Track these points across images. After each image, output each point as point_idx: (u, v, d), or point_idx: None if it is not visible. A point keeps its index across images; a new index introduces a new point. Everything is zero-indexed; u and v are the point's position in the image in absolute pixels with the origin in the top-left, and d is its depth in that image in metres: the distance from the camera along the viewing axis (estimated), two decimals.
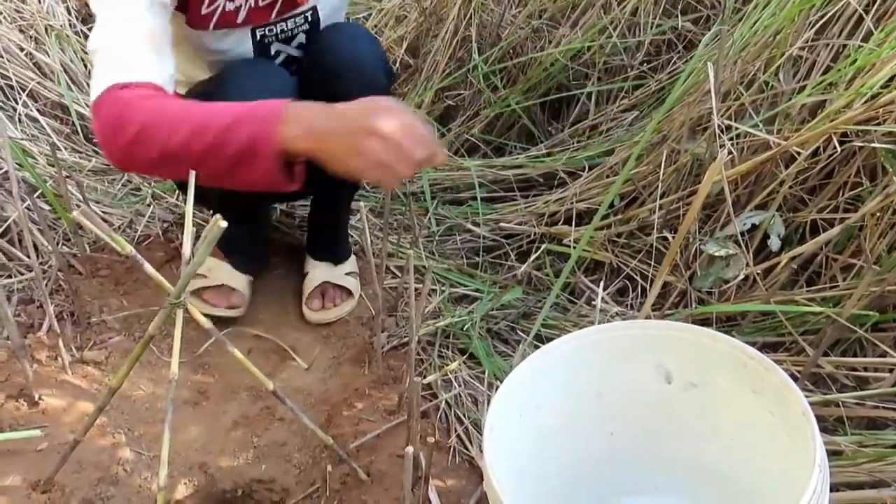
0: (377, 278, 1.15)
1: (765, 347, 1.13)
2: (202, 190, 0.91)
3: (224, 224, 0.66)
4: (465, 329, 1.27)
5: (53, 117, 1.69)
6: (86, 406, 1.04)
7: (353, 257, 1.38)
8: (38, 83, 1.69)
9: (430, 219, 1.60)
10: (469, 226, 1.59)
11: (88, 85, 1.36)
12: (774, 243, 1.05)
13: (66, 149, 1.62)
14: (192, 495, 1.03)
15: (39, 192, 1.38)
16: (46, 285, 1.22)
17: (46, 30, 1.77)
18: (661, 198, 1.30)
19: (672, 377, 0.81)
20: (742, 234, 1.08)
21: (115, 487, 0.97)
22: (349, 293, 1.31)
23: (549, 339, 0.87)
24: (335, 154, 0.76)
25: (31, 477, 0.91)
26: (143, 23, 0.88)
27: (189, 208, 0.75)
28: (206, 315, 1.08)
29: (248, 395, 1.16)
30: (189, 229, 0.74)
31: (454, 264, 1.50)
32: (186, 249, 0.74)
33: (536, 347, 1.23)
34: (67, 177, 1.40)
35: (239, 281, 1.26)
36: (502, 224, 1.57)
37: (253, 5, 1.06)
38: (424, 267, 1.45)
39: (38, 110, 1.65)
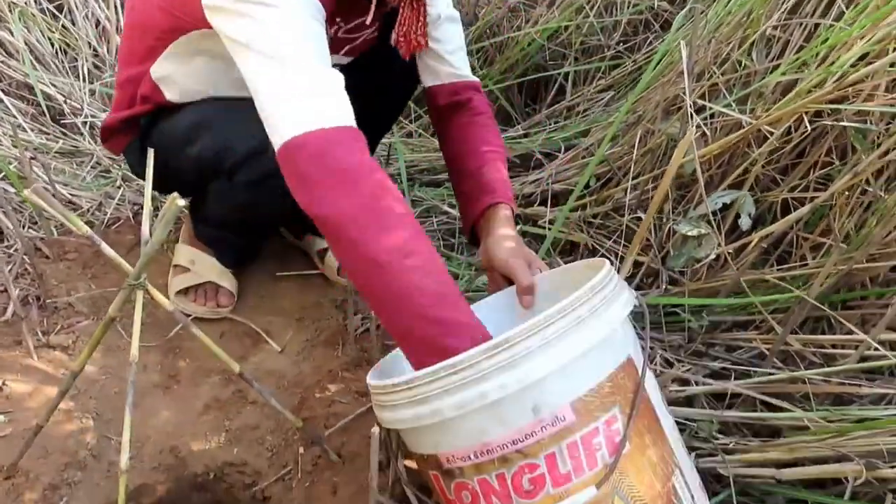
0: None
1: (735, 326, 1.13)
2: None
3: (182, 202, 0.65)
4: None
5: (19, 98, 1.65)
6: (51, 391, 1.02)
7: None
8: (2, 62, 1.65)
9: (407, 201, 1.59)
10: (446, 207, 1.59)
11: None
12: (745, 222, 1.05)
13: (32, 130, 1.58)
14: (164, 479, 1.02)
15: (3, 174, 1.35)
16: (11, 269, 1.20)
17: (10, 7, 1.72)
18: (634, 178, 1.30)
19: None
20: (714, 213, 1.08)
21: (82, 472, 0.95)
22: None
23: None
24: None
25: None
26: (322, 38, 0.80)
27: (148, 188, 0.73)
28: (191, 316, 1.08)
29: (220, 379, 1.15)
30: (148, 208, 0.73)
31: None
32: (145, 230, 0.72)
33: None
34: (32, 158, 1.37)
35: (226, 277, 1.25)
36: None
37: (333, 35, 1.01)
38: None
39: (2, 90, 1.61)
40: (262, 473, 1.04)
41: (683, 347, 1.14)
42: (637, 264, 1.29)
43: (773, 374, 0.96)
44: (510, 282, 0.92)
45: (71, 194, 1.45)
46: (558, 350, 0.57)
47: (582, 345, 0.58)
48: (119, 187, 1.48)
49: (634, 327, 0.72)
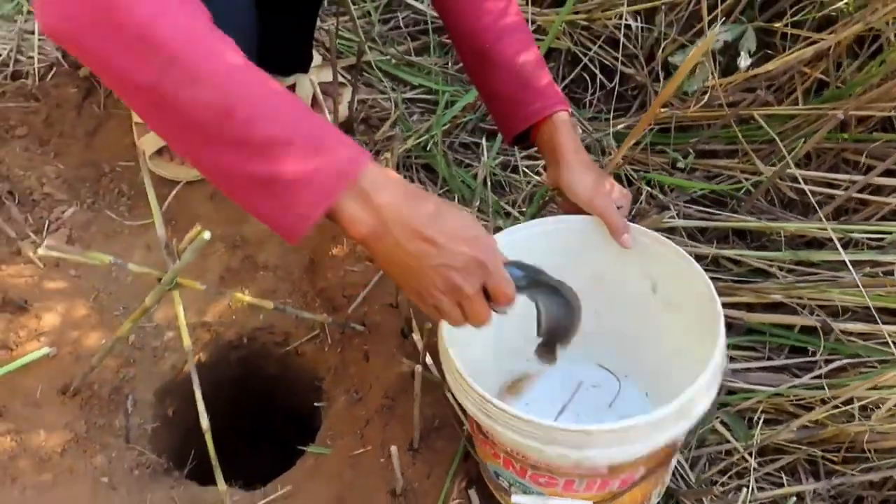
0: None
1: (719, 154, 1.18)
2: None
3: (208, 236, 0.62)
4: (427, 149, 1.26)
5: None
6: (75, 302, 1.05)
7: None
8: None
9: None
10: (411, 0, 1.43)
11: None
12: (744, 61, 1.02)
13: None
14: (203, 350, 1.13)
15: None
16: None
17: None
18: None
19: (657, 288, 0.86)
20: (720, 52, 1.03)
21: (133, 368, 1.05)
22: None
23: None
24: (395, 278, 0.64)
25: (57, 383, 0.98)
26: None
27: (147, 179, 0.67)
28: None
29: (226, 247, 1.18)
30: (155, 205, 0.68)
31: (400, 55, 1.39)
32: (160, 230, 0.69)
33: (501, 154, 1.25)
34: None
35: None
36: None
37: None
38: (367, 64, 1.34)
39: None
40: (292, 334, 1.15)
41: (667, 171, 1.20)
42: (622, 79, 1.26)
43: (747, 219, 1.05)
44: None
45: None
46: (630, 448, 0.66)
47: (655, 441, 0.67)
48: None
49: None
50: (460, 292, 0.61)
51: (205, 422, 0.78)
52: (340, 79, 1.33)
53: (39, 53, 1.23)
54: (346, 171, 0.56)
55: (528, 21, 1.28)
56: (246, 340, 1.15)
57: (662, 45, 1.16)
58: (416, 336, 1.04)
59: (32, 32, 1.25)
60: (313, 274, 1.16)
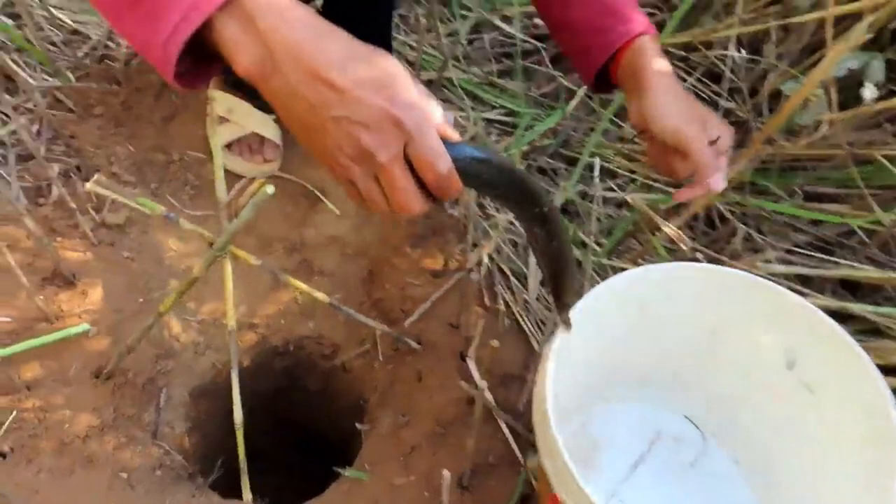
0: None
1: (827, 197, 1.07)
2: None
3: (271, 190, 0.56)
4: None
5: None
6: (121, 281, 1.00)
7: None
8: None
9: (452, 13, 1.39)
10: (499, 22, 1.39)
11: None
12: (869, 92, 0.92)
13: None
14: (245, 353, 1.06)
15: None
16: (39, 133, 1.09)
17: None
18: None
19: (795, 366, 0.73)
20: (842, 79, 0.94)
21: (172, 360, 0.99)
22: None
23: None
24: (296, 134, 0.50)
25: (91, 364, 0.92)
26: None
27: (218, 157, 0.62)
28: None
29: (284, 249, 1.12)
30: (220, 174, 0.63)
31: (483, 75, 1.34)
32: (221, 193, 0.63)
33: (581, 182, 1.17)
34: None
35: (269, 126, 1.13)
36: (538, 21, 1.37)
37: None
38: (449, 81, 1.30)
39: None
40: (340, 346, 1.07)
41: (770, 219, 1.09)
42: (725, 113, 1.17)
43: (865, 268, 0.93)
44: (678, 152, 0.70)
45: (74, 21, 1.26)
46: None
47: None
48: None
49: None
50: (372, 159, 0.46)
51: (238, 415, 0.70)
52: None
53: None
54: None
55: None
56: (292, 348, 1.08)
57: (770, 78, 1.07)
58: (470, 361, 0.94)
59: None
60: (371, 284, 1.09)
